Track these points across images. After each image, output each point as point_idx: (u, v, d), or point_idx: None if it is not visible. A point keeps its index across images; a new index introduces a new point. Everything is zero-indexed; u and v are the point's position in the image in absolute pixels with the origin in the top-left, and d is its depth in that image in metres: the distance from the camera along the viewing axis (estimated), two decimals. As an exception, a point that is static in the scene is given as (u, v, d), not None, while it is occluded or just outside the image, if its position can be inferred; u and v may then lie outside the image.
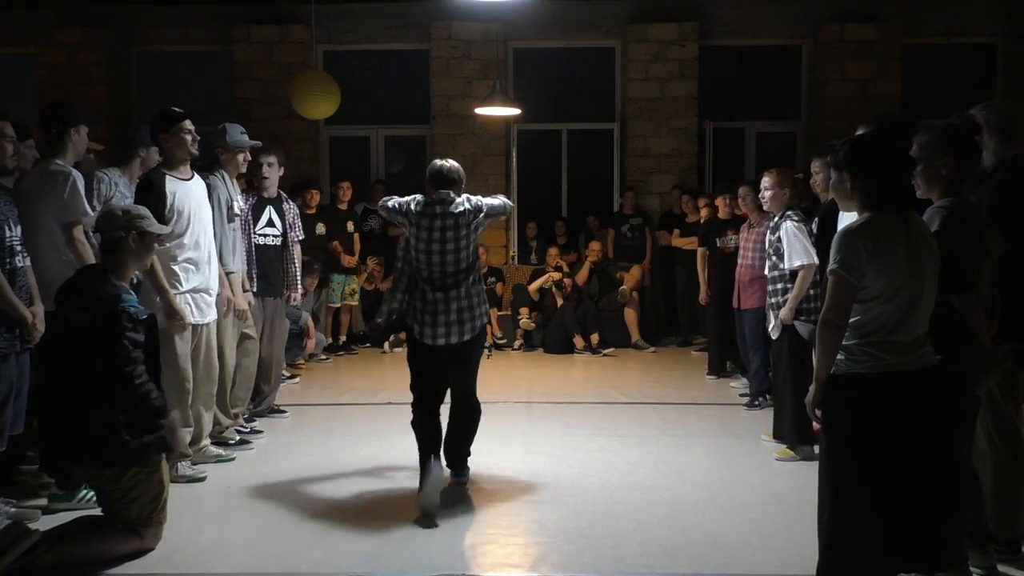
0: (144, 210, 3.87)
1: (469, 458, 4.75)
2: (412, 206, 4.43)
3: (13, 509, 4.03)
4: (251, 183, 5.90)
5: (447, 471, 4.57)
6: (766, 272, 5.40)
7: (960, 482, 3.08)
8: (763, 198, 5.51)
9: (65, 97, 9.48)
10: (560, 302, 9.22)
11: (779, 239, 5.21)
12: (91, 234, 4.28)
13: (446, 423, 4.64)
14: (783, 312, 5.08)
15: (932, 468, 2.82)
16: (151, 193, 4.54)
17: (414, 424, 4.52)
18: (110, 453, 3.54)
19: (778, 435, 5.31)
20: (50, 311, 3.95)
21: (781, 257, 5.18)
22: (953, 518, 2.91)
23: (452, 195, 4.40)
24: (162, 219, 4.46)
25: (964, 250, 3.05)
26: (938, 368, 2.88)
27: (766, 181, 5.44)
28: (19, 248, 3.91)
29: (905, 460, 2.79)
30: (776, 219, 5.33)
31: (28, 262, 3.99)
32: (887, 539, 2.79)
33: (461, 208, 4.37)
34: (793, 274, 5.11)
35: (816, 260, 4.96)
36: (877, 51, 10.06)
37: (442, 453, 4.55)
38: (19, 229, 3.94)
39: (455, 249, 4.36)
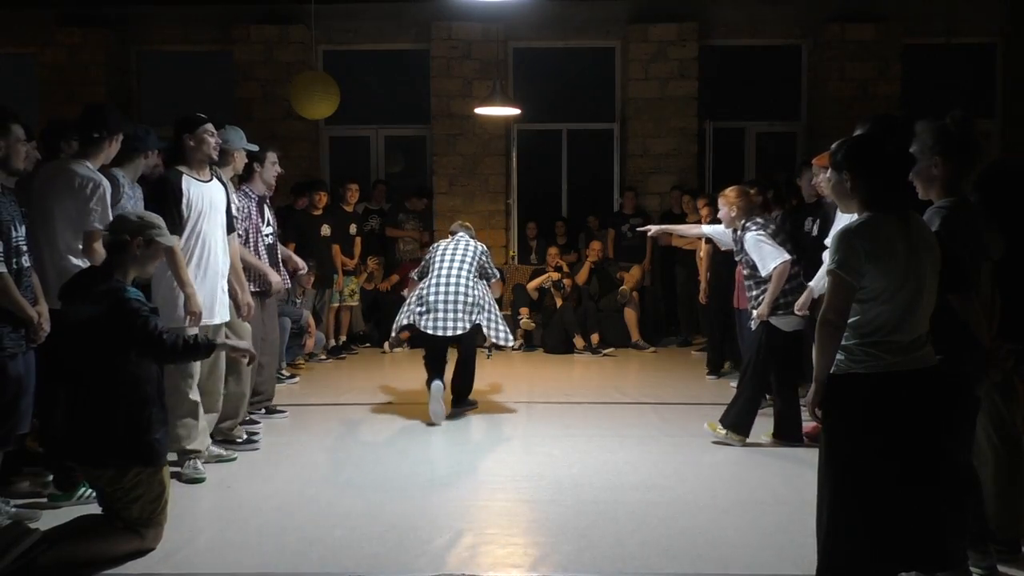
0: (158, 219, 3.87)
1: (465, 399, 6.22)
2: (440, 244, 6.35)
3: (14, 509, 4.04)
4: (244, 181, 5.89)
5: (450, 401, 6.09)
6: (745, 272, 5.51)
7: (960, 482, 3.09)
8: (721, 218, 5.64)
9: (70, 98, 9.53)
10: (560, 302, 9.22)
11: (745, 251, 5.36)
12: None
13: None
14: (760, 308, 5.25)
15: (932, 468, 2.82)
16: (167, 190, 4.64)
17: (426, 359, 6.18)
18: (128, 451, 3.56)
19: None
20: (55, 309, 3.98)
21: (752, 267, 5.32)
22: (954, 518, 2.91)
23: (465, 234, 6.37)
24: (178, 216, 4.59)
25: (965, 250, 3.05)
26: (938, 368, 2.88)
27: (718, 204, 5.57)
28: (24, 248, 3.93)
29: (905, 460, 2.79)
30: (738, 232, 5.42)
31: (31, 262, 4.00)
32: (887, 539, 2.79)
33: (475, 244, 6.27)
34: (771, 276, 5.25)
35: (787, 255, 5.16)
36: (877, 51, 10.06)
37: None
38: (24, 229, 3.95)
39: (466, 267, 6.07)
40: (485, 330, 6.02)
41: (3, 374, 3.77)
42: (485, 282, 6.23)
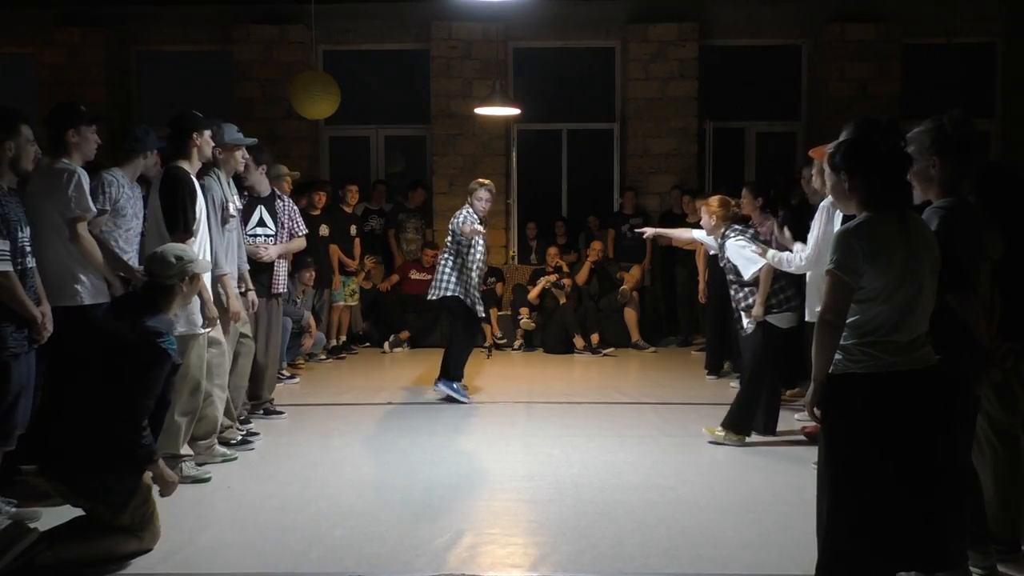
0: (189, 250, 4.00)
1: (451, 382, 6.65)
2: None
3: (14, 509, 4.03)
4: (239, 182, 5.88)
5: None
6: (730, 278, 5.59)
7: (960, 482, 3.08)
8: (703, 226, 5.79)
9: (70, 98, 9.48)
10: (563, 300, 9.21)
11: (728, 258, 5.49)
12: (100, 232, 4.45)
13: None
14: (755, 309, 5.34)
15: (932, 468, 2.82)
16: (186, 188, 4.62)
17: None
18: (97, 489, 3.54)
19: (725, 423, 5.44)
20: (57, 307, 4.03)
21: (735, 272, 5.44)
22: (953, 518, 2.91)
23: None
24: (193, 216, 4.62)
25: (963, 250, 3.05)
26: (938, 368, 2.88)
27: (701, 213, 5.76)
28: (29, 249, 3.95)
29: (904, 460, 2.79)
30: (719, 240, 5.59)
31: (35, 262, 4.02)
32: (886, 539, 2.79)
33: (454, 216, 6.75)
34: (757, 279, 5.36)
35: (766, 258, 5.24)
36: (877, 51, 10.05)
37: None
38: (28, 230, 3.97)
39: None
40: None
41: (7, 373, 3.78)
42: (458, 246, 6.69)
